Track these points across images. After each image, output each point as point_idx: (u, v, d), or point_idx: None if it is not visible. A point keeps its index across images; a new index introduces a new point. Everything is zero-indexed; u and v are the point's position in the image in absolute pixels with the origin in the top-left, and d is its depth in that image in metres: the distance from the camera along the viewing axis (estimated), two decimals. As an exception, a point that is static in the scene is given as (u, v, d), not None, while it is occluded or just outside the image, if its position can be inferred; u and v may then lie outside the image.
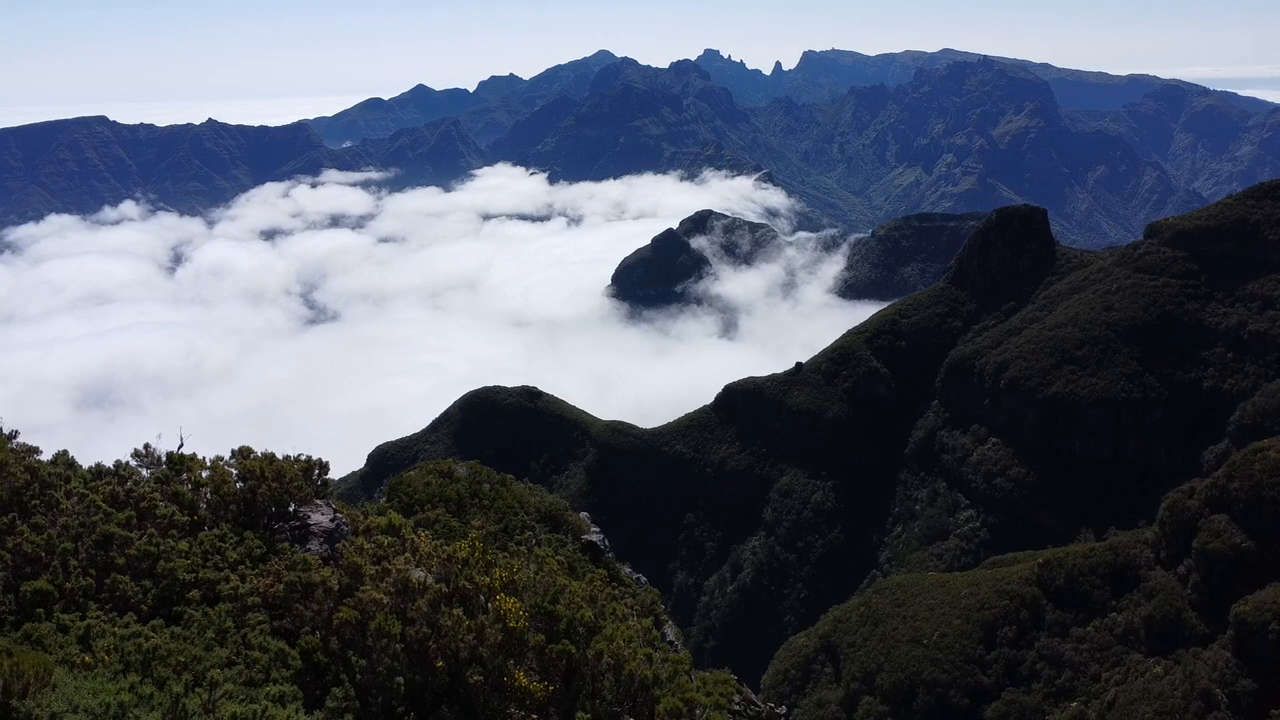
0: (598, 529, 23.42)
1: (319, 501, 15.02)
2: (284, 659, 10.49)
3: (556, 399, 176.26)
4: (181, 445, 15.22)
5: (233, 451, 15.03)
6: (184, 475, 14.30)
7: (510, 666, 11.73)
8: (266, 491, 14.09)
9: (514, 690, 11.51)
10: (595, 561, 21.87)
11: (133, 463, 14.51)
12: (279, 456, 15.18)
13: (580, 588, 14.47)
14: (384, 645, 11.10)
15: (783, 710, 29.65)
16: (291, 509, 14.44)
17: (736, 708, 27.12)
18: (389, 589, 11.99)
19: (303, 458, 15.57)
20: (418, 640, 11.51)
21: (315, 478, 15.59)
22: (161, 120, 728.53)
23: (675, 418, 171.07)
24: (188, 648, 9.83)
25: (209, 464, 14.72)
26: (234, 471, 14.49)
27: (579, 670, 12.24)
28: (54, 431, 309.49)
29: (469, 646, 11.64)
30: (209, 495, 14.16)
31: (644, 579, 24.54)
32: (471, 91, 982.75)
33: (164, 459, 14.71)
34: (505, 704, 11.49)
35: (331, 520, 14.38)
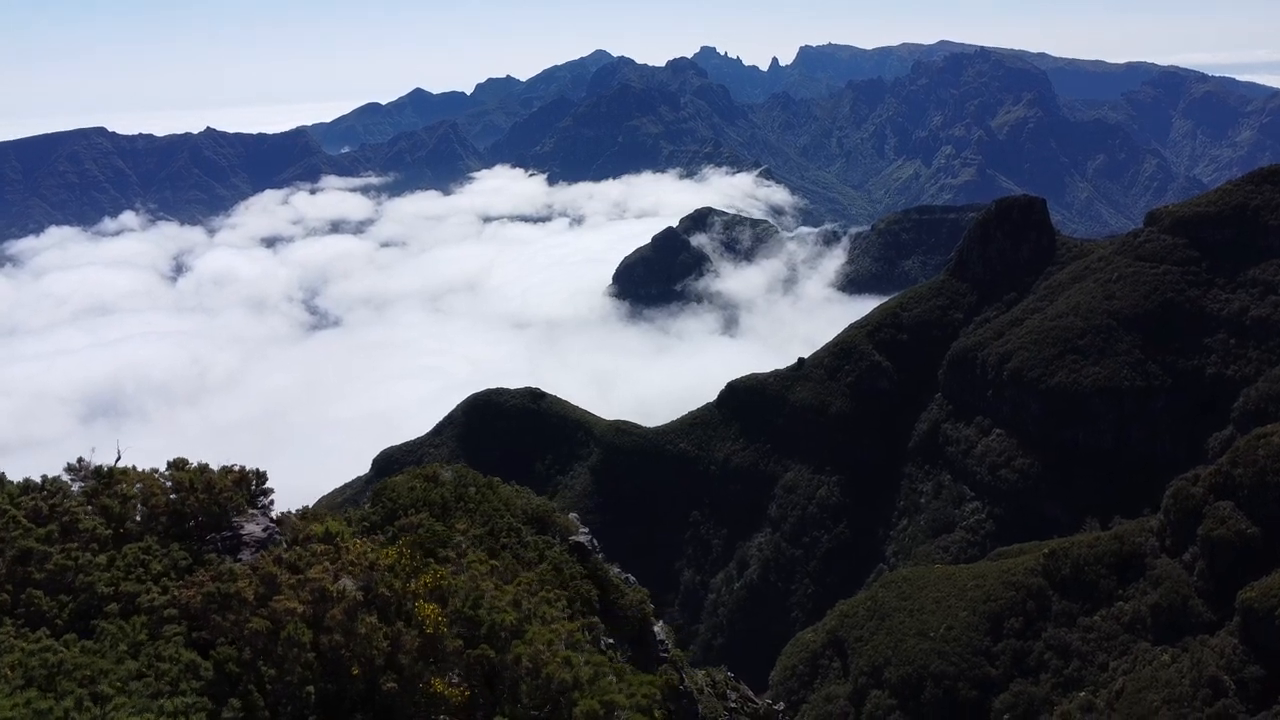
0: (586, 529, 23.33)
1: (254, 511, 14.91)
2: (195, 670, 10.43)
3: (560, 400, 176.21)
4: (119, 459, 15.14)
5: (169, 463, 14.99)
6: (115, 489, 14.15)
7: (429, 672, 11.74)
8: (195, 503, 13.97)
9: (429, 696, 11.49)
10: (583, 562, 21.79)
11: (66, 477, 14.37)
12: (214, 468, 15.10)
13: (512, 591, 14.46)
14: (295, 654, 11.03)
15: (780, 707, 29.74)
16: (231, 519, 14.34)
17: (733, 705, 27.15)
18: (306, 598, 11.91)
19: (237, 468, 15.42)
20: (331, 648, 11.45)
21: (252, 488, 15.45)
22: (160, 130, 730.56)
23: (678, 416, 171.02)
24: (97, 661, 9.72)
25: (140, 476, 14.65)
26: (167, 484, 14.40)
27: (500, 674, 12.28)
28: (59, 444, 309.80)
29: (383, 653, 11.62)
30: (140, 508, 14.06)
31: (633, 579, 24.45)
32: (469, 94, 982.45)
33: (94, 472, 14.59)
34: (422, 710, 11.50)
35: (264, 530, 14.25)
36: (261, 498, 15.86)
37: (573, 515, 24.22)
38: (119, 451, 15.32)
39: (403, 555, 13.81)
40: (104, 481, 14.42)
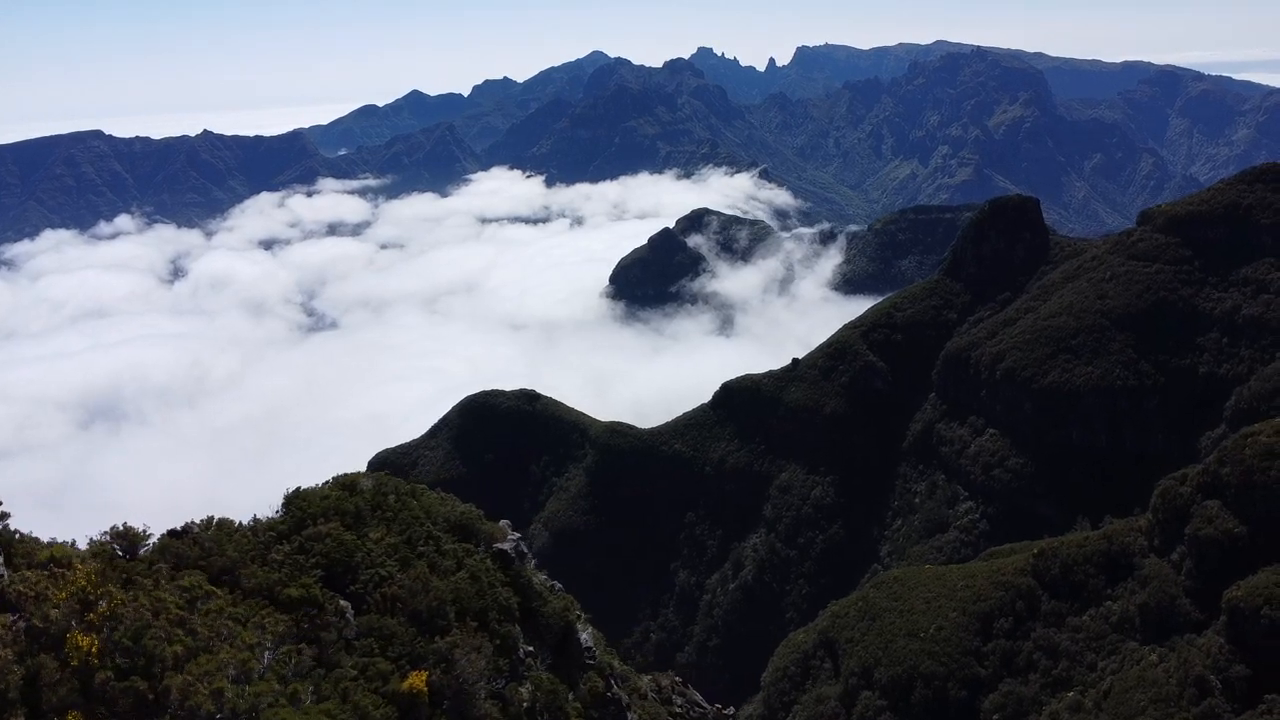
0: (516, 535, 23.34)
1: None
2: None
3: (555, 401, 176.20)
4: None
5: None
6: None
7: (72, 704, 11.72)
8: None
9: None
10: (504, 570, 21.82)
11: None
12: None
13: (199, 620, 14.26)
14: None
15: (731, 711, 29.80)
16: None
17: (678, 710, 27.24)
18: None
19: None
20: None
21: None
22: (157, 133, 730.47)
23: (673, 417, 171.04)
24: None
25: None
26: None
27: (151, 706, 12.32)
28: (59, 448, 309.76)
29: (16, 686, 11.66)
30: None
31: (559, 585, 24.54)
32: (466, 96, 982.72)
33: None
34: None
35: None
36: None
37: (503, 522, 24.29)
38: None
39: (89, 581, 13.64)
40: None
